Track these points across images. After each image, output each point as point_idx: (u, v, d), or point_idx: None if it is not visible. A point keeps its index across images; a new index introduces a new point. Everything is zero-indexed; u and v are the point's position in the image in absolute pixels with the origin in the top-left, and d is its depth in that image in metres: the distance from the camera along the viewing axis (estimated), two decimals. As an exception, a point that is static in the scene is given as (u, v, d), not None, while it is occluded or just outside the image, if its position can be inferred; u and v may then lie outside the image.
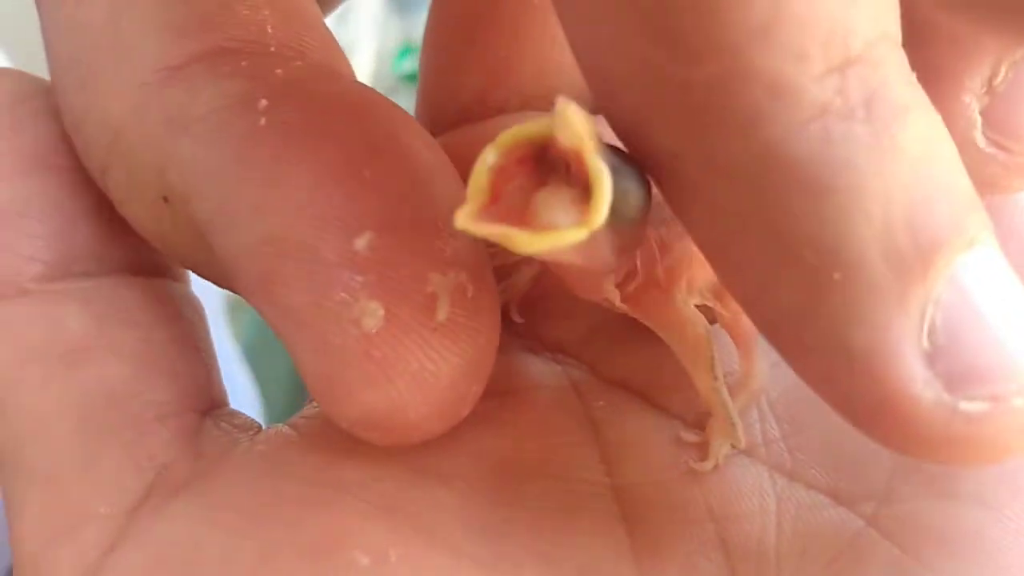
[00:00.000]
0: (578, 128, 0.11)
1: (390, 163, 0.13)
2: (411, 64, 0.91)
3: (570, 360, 0.17)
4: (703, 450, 0.15)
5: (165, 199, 0.14)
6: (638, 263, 0.14)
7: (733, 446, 0.15)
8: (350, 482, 0.14)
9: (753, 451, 0.15)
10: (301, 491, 0.14)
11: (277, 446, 0.15)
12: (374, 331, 0.13)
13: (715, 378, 0.15)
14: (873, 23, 0.11)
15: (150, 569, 0.13)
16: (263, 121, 0.13)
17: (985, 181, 0.14)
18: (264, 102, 0.13)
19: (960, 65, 0.14)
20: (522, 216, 0.11)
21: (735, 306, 0.15)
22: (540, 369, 0.17)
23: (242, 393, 0.48)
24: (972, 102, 0.14)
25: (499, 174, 0.11)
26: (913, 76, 0.11)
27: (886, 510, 0.14)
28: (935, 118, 0.12)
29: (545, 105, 0.18)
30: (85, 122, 0.14)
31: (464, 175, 0.14)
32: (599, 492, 0.15)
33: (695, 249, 0.13)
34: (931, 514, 0.14)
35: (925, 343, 0.11)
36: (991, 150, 0.14)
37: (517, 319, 0.17)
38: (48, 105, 0.15)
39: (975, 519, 0.14)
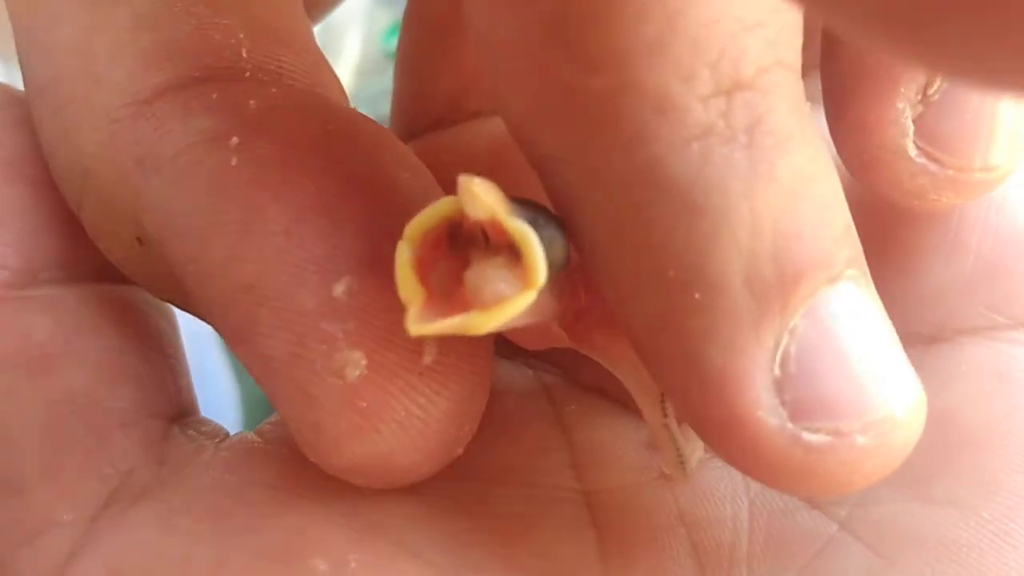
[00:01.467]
0: (486, 199, 0.11)
1: (369, 197, 0.13)
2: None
3: (544, 365, 0.17)
4: None
5: (139, 240, 0.14)
6: (583, 301, 0.14)
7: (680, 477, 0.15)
8: (312, 488, 0.14)
9: None
10: (262, 496, 0.14)
11: (241, 452, 0.15)
12: (357, 380, 0.12)
13: (664, 415, 0.14)
14: (768, 49, 0.11)
15: None
16: (235, 160, 0.13)
17: (913, 192, 0.14)
18: (235, 139, 0.13)
19: (896, 71, 0.14)
20: (460, 298, 0.11)
21: None
22: (511, 373, 0.17)
23: (220, 382, 0.48)
24: (906, 109, 0.14)
25: (419, 266, 0.11)
26: (805, 106, 0.11)
27: (860, 513, 0.14)
28: (819, 151, 0.12)
29: None
30: (58, 154, 0.14)
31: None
32: (568, 497, 0.15)
33: None
34: (906, 517, 0.14)
35: (776, 371, 0.11)
36: (921, 160, 0.14)
37: None
38: (22, 115, 0.15)
39: (950, 522, 0.14)
